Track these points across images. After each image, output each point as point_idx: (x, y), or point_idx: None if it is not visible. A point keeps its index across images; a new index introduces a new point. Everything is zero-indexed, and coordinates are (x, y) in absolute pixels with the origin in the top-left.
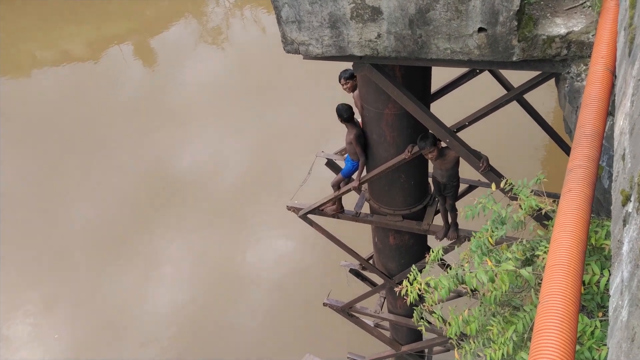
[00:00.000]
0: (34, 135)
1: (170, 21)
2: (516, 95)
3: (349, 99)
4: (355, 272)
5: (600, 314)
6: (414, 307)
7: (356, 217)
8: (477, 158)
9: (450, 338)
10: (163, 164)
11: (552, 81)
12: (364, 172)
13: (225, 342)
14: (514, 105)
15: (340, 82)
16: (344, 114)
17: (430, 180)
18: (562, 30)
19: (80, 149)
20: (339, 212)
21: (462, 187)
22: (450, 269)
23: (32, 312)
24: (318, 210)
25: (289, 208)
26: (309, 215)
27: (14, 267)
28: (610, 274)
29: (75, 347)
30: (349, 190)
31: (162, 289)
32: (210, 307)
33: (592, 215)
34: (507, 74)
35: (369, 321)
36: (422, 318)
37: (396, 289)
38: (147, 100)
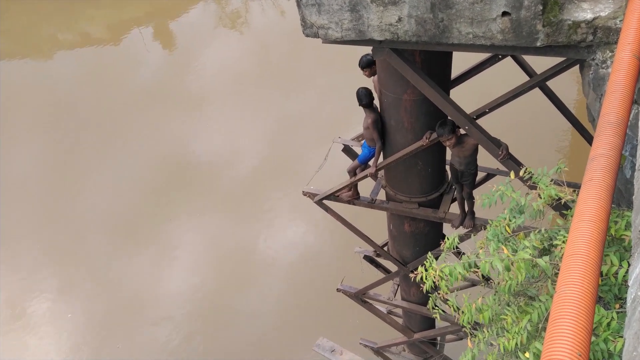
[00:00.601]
0: (53, 118)
1: (190, 4)
2: (539, 82)
3: (368, 83)
4: (369, 259)
5: (617, 306)
6: (428, 295)
7: (372, 203)
8: (496, 146)
9: (463, 326)
10: (180, 148)
11: (576, 68)
12: (381, 159)
13: (239, 326)
14: (536, 92)
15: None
16: (363, 98)
17: (447, 167)
18: (589, 15)
19: (98, 132)
20: (354, 198)
21: (480, 175)
22: (464, 257)
23: (49, 293)
24: (333, 196)
25: (305, 193)
26: (325, 201)
27: (32, 250)
28: (629, 265)
29: (89, 327)
30: (365, 177)
31: (177, 273)
32: (224, 291)
33: (612, 205)
34: (529, 59)
35: (382, 308)
36: (436, 306)
37: (411, 275)
38: (166, 84)
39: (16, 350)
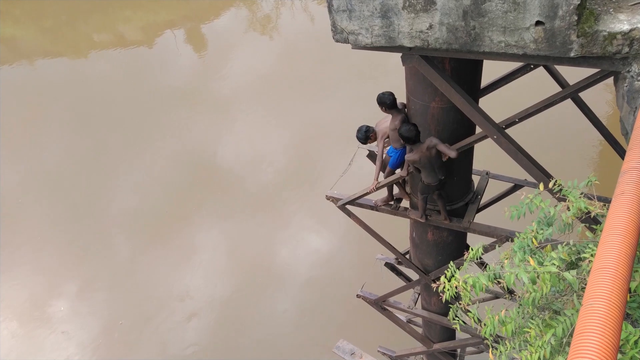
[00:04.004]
0: (85, 117)
1: (222, 8)
2: (571, 93)
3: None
4: (390, 266)
5: None
6: (449, 305)
7: (395, 210)
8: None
9: (484, 339)
10: (205, 151)
11: (610, 80)
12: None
13: (259, 329)
14: (567, 103)
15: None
16: (387, 100)
17: (474, 177)
18: (625, 27)
19: (126, 132)
20: (389, 202)
21: (507, 185)
22: (489, 268)
23: (70, 292)
24: (356, 201)
25: (328, 198)
26: (348, 207)
27: (55, 246)
28: None
29: (105, 323)
30: (397, 179)
31: (197, 274)
32: (245, 294)
33: None
34: (561, 69)
35: (402, 316)
36: (457, 317)
37: (433, 285)
38: (194, 87)
39: (36, 345)
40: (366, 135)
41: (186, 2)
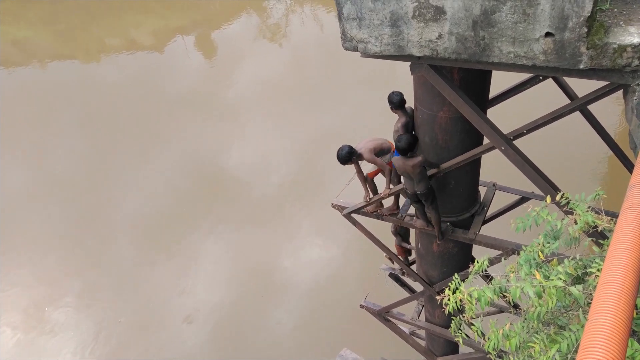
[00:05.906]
0: (93, 120)
1: (233, 15)
2: (580, 105)
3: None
4: (394, 277)
5: None
6: (453, 318)
7: (401, 220)
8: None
9: (488, 353)
10: (212, 158)
11: (619, 93)
12: None
13: (261, 336)
14: (576, 115)
15: None
16: (393, 99)
17: (480, 187)
18: (636, 40)
19: (134, 137)
20: (394, 211)
21: (514, 198)
22: (494, 281)
23: (72, 298)
24: (362, 210)
25: (334, 206)
26: (353, 215)
27: (58, 251)
28: None
29: (106, 330)
30: (400, 189)
31: (199, 283)
32: (247, 301)
33: None
34: (570, 81)
35: (405, 328)
36: (460, 330)
37: (437, 297)
38: (203, 93)
39: (35, 347)
40: (349, 155)
41: (197, 8)
